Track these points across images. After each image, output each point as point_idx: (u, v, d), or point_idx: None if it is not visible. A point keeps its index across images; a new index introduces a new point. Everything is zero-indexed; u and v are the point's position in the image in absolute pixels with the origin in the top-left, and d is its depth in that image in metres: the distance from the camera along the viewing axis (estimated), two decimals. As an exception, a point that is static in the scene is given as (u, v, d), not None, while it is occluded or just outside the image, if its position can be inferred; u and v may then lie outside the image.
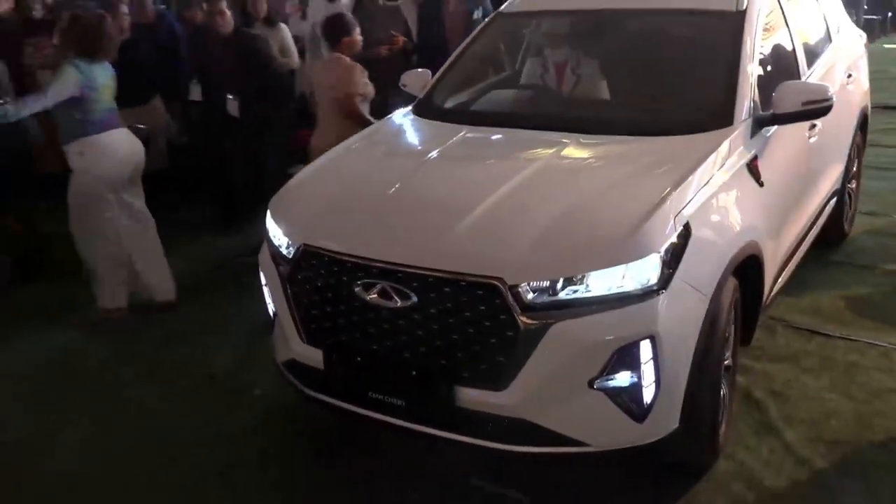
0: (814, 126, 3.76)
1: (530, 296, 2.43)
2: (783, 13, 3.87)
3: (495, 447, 2.57)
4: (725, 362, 3.00)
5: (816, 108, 3.20)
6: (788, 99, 3.20)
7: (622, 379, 2.44)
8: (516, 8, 4.18)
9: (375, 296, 2.62)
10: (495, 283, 2.44)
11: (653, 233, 2.48)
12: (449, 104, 3.82)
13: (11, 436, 3.50)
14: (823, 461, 3.08)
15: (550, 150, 3.08)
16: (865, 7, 15.40)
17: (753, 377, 3.64)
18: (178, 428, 3.48)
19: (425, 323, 2.57)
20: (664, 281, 2.47)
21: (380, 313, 2.64)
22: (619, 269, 2.43)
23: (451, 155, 3.24)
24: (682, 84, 3.48)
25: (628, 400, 2.47)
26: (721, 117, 3.12)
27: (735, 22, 3.43)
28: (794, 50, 3.88)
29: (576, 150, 3.09)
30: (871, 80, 5.27)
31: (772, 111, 3.22)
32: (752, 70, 3.28)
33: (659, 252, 2.46)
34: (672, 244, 2.51)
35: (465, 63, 4.08)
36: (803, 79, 3.87)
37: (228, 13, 5.69)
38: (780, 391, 3.54)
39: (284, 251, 2.94)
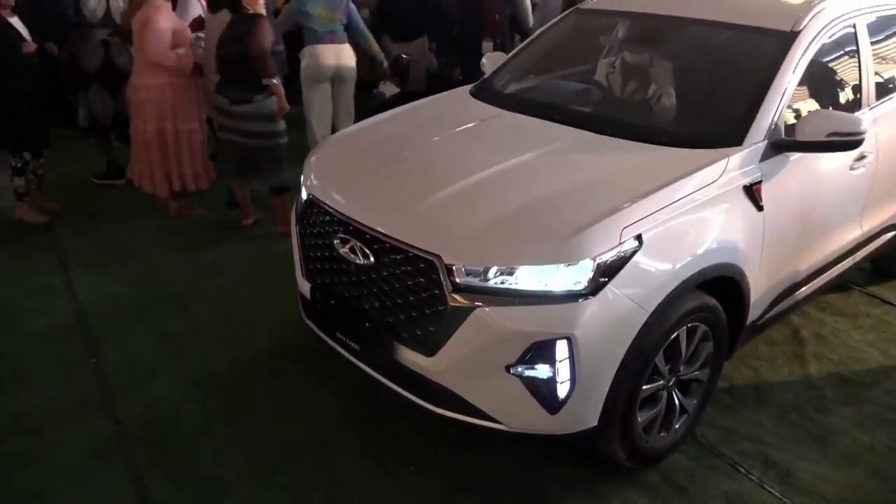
0: (862, 157, 3.39)
1: (463, 277, 2.44)
2: (857, 40, 3.45)
3: (423, 405, 2.65)
4: (691, 376, 2.90)
5: (841, 140, 2.89)
6: (813, 127, 2.90)
7: (537, 371, 2.42)
8: (592, 5, 4.00)
9: (347, 250, 2.73)
10: (433, 259, 2.48)
11: (591, 240, 2.39)
12: (500, 88, 3.74)
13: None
14: (830, 390, 3.48)
15: (553, 144, 2.99)
16: None
17: (808, 321, 4.03)
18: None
19: (380, 282, 2.66)
20: (594, 288, 2.39)
21: (350, 266, 2.76)
22: (550, 269, 2.38)
23: (465, 134, 3.23)
24: (711, 98, 3.22)
25: (542, 391, 2.44)
26: (730, 136, 2.88)
27: (784, 43, 3.10)
28: (861, 79, 3.47)
29: (576, 147, 2.98)
30: None
31: (794, 137, 2.94)
32: (783, 92, 2.98)
33: (593, 259, 2.38)
34: (612, 254, 2.41)
35: (533, 52, 3.97)
36: (865, 110, 3.47)
37: None
38: (826, 336, 3.91)
39: (302, 196, 3.10)
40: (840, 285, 4.24)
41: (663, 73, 3.42)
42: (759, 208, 2.86)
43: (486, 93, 3.67)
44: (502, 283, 2.42)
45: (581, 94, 3.66)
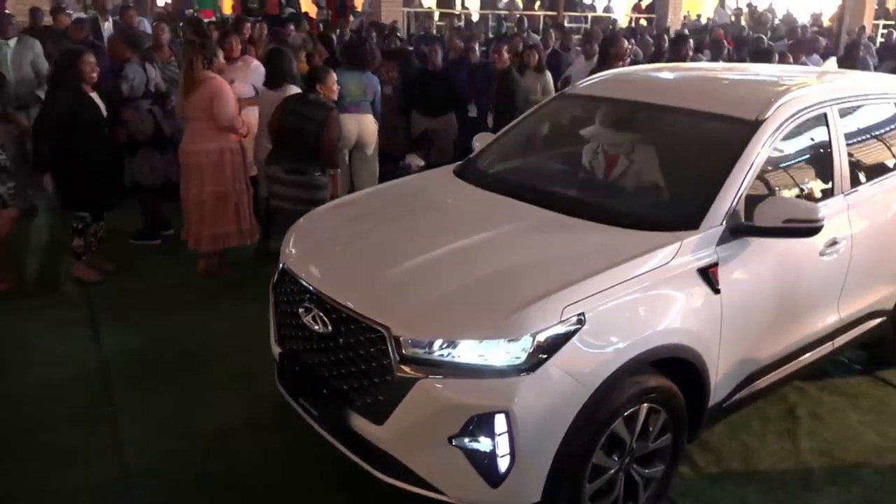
0: (834, 243, 3.39)
1: (409, 349, 2.51)
2: (829, 128, 3.50)
3: (374, 472, 2.68)
4: (649, 449, 2.86)
5: (797, 227, 2.92)
6: (770, 213, 2.94)
7: (479, 443, 2.45)
8: (575, 90, 4.13)
9: (310, 319, 2.84)
10: (382, 330, 2.56)
11: (531, 317, 2.45)
12: (483, 168, 3.84)
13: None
14: (820, 468, 3.43)
15: (516, 223, 3.08)
16: None
17: (806, 398, 3.99)
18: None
19: (336, 351, 2.74)
20: (534, 364, 2.43)
21: (312, 334, 2.85)
22: (490, 343, 2.44)
23: (436, 211, 3.35)
24: (673, 183, 3.28)
25: (483, 464, 2.46)
26: (687, 220, 2.94)
27: (747, 131, 3.17)
28: (834, 166, 3.51)
29: (538, 226, 3.06)
30: None
31: (753, 223, 2.98)
32: (743, 179, 3.04)
33: (532, 336, 2.43)
34: (553, 331, 2.46)
35: (518, 134, 4.11)
36: (839, 196, 3.49)
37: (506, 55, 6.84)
38: (822, 415, 3.86)
39: (279, 265, 3.24)
40: (846, 366, 4.34)
41: (634, 157, 3.52)
42: (716, 291, 2.88)
43: (468, 172, 3.79)
44: (446, 355, 2.48)
45: (558, 176, 3.77)
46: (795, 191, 3.42)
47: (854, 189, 3.59)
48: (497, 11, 15.09)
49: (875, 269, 3.76)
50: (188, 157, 5.28)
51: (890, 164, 3.93)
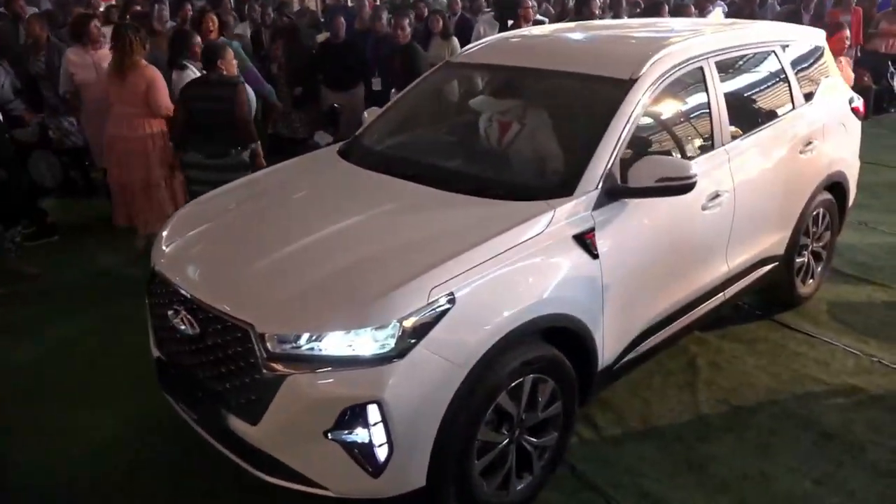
0: (717, 196, 3.39)
1: (276, 345, 2.40)
2: (706, 82, 3.47)
3: (254, 472, 2.59)
4: (539, 419, 2.82)
5: (671, 185, 2.88)
6: (643, 174, 2.90)
7: (355, 435, 2.36)
8: (457, 58, 4.00)
9: (179, 321, 2.70)
10: (247, 328, 2.44)
11: (396, 302, 2.36)
12: (368, 146, 3.69)
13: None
14: (716, 417, 3.48)
15: (389, 203, 2.97)
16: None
17: (706, 349, 4.04)
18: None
19: (207, 352, 2.61)
20: (403, 350, 2.35)
21: (182, 336, 2.71)
22: (356, 333, 2.35)
23: (311, 197, 3.20)
24: (549, 149, 3.21)
25: (362, 455, 2.39)
26: (561, 186, 2.88)
27: (620, 91, 3.11)
28: (713, 120, 3.48)
29: (411, 205, 2.96)
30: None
31: (627, 184, 2.93)
32: (617, 140, 2.98)
33: (399, 321, 2.35)
34: (421, 315, 2.38)
35: (404, 108, 3.97)
36: (719, 149, 3.47)
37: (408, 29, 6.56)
38: (720, 363, 3.92)
39: (151, 264, 3.07)
40: (745, 312, 4.40)
41: (514, 126, 3.43)
42: (594, 256, 2.85)
43: (352, 152, 3.65)
44: (313, 349, 2.38)
45: (440, 150, 3.65)
46: (675, 148, 3.40)
47: (735, 141, 3.58)
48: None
49: (761, 218, 3.78)
50: (116, 142, 5.23)
51: (770, 112, 3.94)
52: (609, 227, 2.91)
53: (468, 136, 3.61)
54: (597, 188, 2.91)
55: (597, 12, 7.25)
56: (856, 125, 4.57)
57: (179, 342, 2.75)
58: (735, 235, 3.59)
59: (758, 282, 3.94)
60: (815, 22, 9.27)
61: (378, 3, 9.78)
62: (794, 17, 9.33)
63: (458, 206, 2.90)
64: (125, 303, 4.45)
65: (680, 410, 3.52)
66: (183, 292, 2.70)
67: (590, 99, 3.27)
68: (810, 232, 4.29)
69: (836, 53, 5.40)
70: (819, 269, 4.51)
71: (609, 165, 2.95)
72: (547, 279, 2.70)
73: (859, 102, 4.58)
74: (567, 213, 2.81)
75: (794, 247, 4.12)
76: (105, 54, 5.78)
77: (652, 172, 2.89)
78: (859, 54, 9.40)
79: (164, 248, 3.02)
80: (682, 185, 2.89)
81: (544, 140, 3.25)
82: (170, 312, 2.74)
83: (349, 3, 11.59)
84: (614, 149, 2.98)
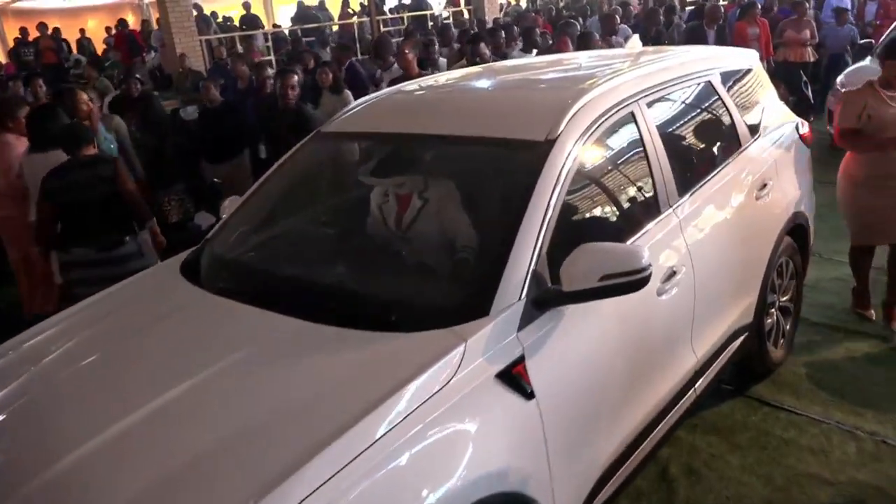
0: (672, 275, 2.63)
1: None
2: (639, 128, 2.72)
3: None
4: None
5: (620, 283, 2.08)
6: (580, 271, 2.08)
7: None
8: (332, 127, 3.07)
9: None
10: None
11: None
12: (218, 253, 2.77)
13: None
14: None
15: (232, 353, 2.04)
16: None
17: (678, 450, 3.25)
18: None
19: None
20: None
21: None
22: None
23: (123, 355, 2.22)
24: (450, 250, 2.37)
25: None
26: (472, 304, 2.05)
27: (537, 157, 2.32)
28: (654, 175, 2.73)
29: (262, 353, 2.06)
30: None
31: (561, 287, 2.13)
32: (540, 227, 2.18)
33: None
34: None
35: (268, 196, 3.05)
36: (667, 212, 2.73)
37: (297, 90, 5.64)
38: (698, 469, 3.14)
39: None
40: (714, 388, 3.42)
41: (410, 212, 2.59)
42: (529, 395, 2.02)
43: (198, 266, 2.70)
44: None
45: (314, 250, 2.76)
46: (614, 220, 2.63)
47: (683, 199, 2.84)
48: (307, 26, 13.82)
49: (727, 287, 3.05)
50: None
51: (716, 157, 3.24)
52: (544, 350, 2.09)
53: (347, 232, 2.75)
54: (520, 298, 2.09)
55: (487, 53, 6.55)
56: (805, 154, 3.94)
57: None
58: (699, 317, 2.83)
59: (729, 361, 3.19)
60: (720, 37, 8.91)
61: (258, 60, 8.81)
62: (697, 32, 8.93)
63: (329, 347, 2.03)
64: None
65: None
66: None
67: (497, 173, 2.47)
68: (776, 286, 3.60)
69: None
70: (788, 326, 3.82)
71: (532, 264, 2.13)
72: (462, 455, 1.83)
73: (805, 129, 3.96)
74: (484, 344, 1.97)
75: (762, 309, 3.40)
76: None
77: (592, 268, 2.08)
78: (773, 65, 9.04)
79: None
80: (633, 282, 2.09)
81: (442, 238, 2.42)
82: None
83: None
84: (537, 240, 2.16)
